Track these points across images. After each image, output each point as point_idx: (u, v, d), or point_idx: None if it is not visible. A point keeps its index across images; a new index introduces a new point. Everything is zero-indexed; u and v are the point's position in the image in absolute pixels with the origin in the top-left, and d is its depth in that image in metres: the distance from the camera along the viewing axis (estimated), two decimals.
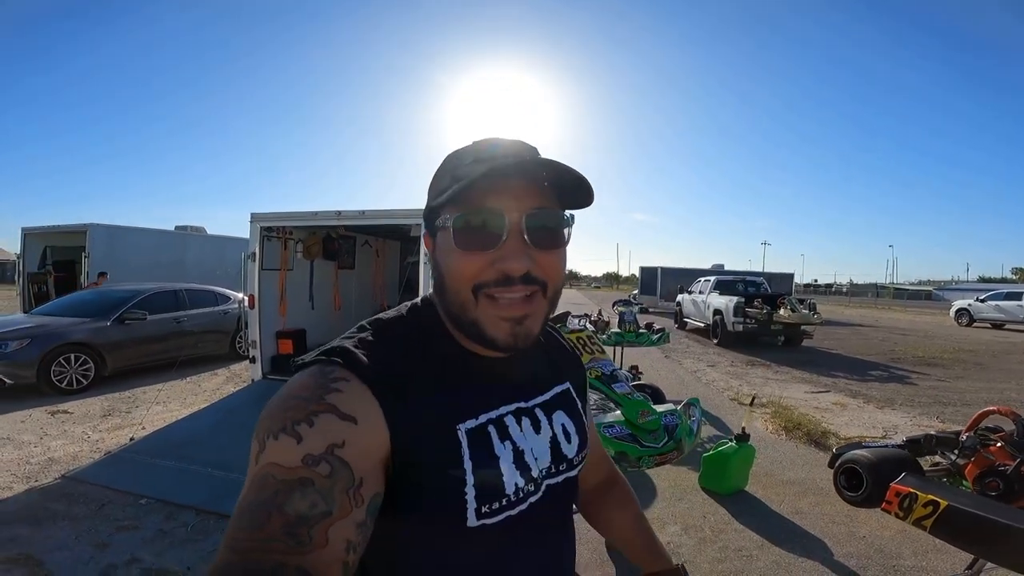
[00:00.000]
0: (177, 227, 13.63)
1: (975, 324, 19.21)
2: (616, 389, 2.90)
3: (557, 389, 0.77)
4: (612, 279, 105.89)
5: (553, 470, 0.70)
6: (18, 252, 11.27)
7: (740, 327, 11.47)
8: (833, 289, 75.08)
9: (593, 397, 3.36)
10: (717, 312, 12.41)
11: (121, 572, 2.53)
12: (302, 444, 0.50)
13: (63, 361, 6.17)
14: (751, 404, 3.97)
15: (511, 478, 0.64)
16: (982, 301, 19.40)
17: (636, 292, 25.14)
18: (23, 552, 2.63)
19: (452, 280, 0.61)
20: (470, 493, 0.60)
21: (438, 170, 0.66)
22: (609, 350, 7.29)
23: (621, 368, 7.01)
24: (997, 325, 18.47)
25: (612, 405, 2.96)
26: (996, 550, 1.61)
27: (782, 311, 11.50)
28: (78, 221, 10.66)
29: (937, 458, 2.57)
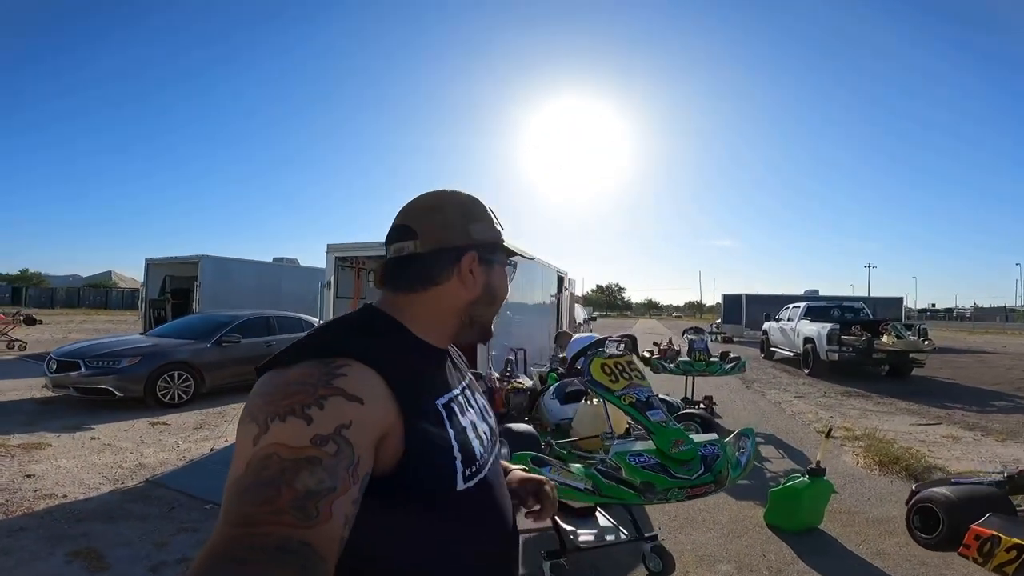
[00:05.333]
0: (275, 259, 14.83)
1: None
2: (650, 417, 2.73)
3: (468, 376, 0.90)
4: (695, 308, 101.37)
5: (492, 439, 0.83)
6: (142, 281, 12.76)
7: (835, 356, 10.52)
8: (954, 314, 66.82)
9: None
10: (808, 340, 11.49)
11: (169, 569, 2.71)
12: (312, 425, 0.54)
13: (168, 378, 6.86)
14: (827, 435, 3.59)
15: (476, 445, 0.74)
16: None
17: (719, 321, 23.94)
18: (89, 546, 2.88)
19: (502, 299, 0.84)
20: (457, 459, 0.68)
21: (480, 210, 0.83)
22: (679, 380, 7.02)
23: (692, 398, 6.69)
24: None
25: (646, 433, 2.80)
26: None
27: (885, 338, 10.44)
28: (192, 252, 11.89)
29: None
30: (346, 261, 6.68)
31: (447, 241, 0.78)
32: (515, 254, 0.86)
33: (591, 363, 3.05)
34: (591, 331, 13.63)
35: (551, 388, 4.31)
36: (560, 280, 8.98)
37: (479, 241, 0.80)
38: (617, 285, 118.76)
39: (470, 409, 0.80)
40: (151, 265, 12.21)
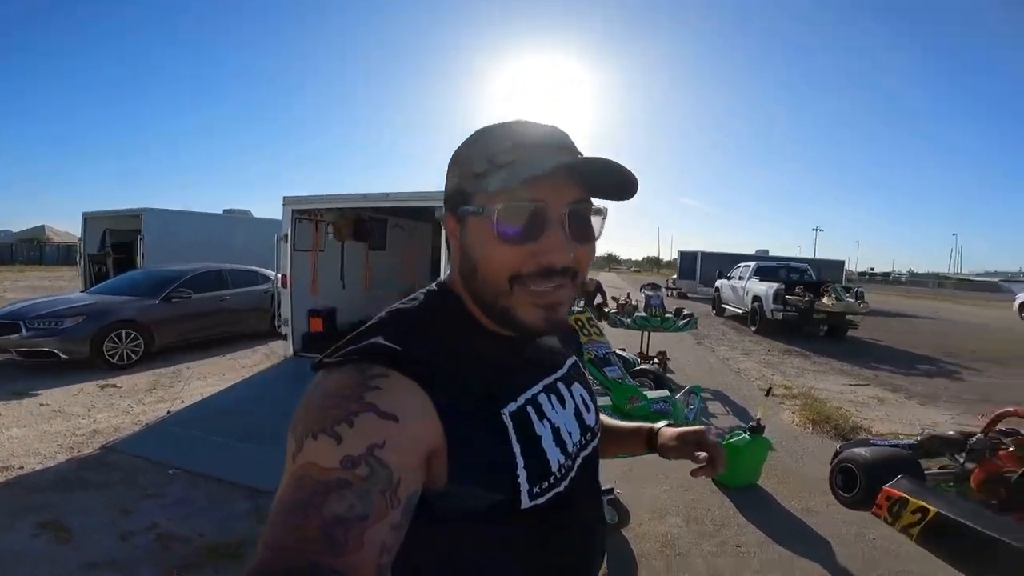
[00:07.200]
0: (225, 210, 14.17)
1: None
2: (607, 373, 2.87)
3: (569, 362, 0.79)
4: (653, 263, 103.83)
5: (583, 442, 0.73)
6: (80, 235, 11.99)
7: (779, 315, 11.06)
8: (891, 278, 70.99)
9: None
10: (756, 299, 12.02)
11: (139, 537, 2.71)
12: (341, 445, 0.49)
13: (115, 337, 6.57)
14: (767, 394, 3.85)
15: (554, 456, 0.65)
16: None
17: (675, 277, 24.63)
18: (53, 517, 2.84)
19: (488, 269, 0.62)
20: (522, 476, 0.61)
21: (468, 150, 0.65)
22: (635, 335, 7.25)
23: (647, 353, 6.95)
24: None
25: (603, 389, 2.94)
26: (979, 566, 1.53)
27: (825, 299, 11.01)
28: (136, 206, 11.26)
29: (946, 460, 2.43)
30: (304, 214, 6.51)
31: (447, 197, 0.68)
32: (514, 195, 0.58)
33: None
34: None
35: None
36: None
37: (450, 191, 0.66)
38: None
39: (559, 407, 0.70)
40: (89, 219, 11.47)
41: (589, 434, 0.75)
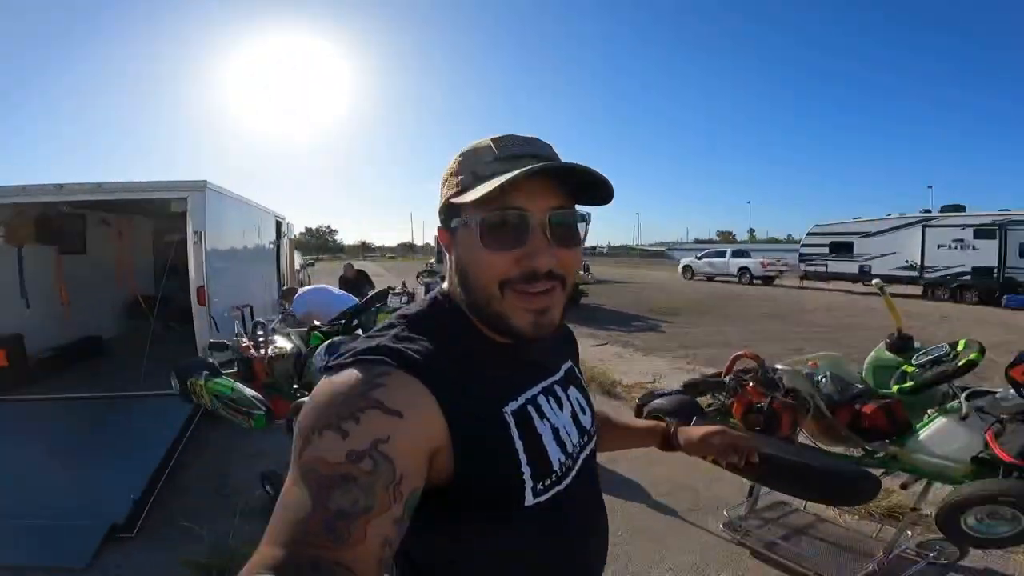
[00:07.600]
0: None
1: (695, 277, 24.01)
2: None
3: (565, 366, 0.82)
4: (407, 249, 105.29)
5: (581, 443, 0.75)
6: None
7: None
8: (596, 251, 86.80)
9: None
10: None
11: None
12: (347, 440, 0.50)
13: None
14: None
15: (555, 454, 0.67)
16: (699, 259, 24.30)
17: (433, 261, 25.46)
18: None
19: (478, 276, 0.64)
20: (525, 472, 0.63)
21: (455, 166, 0.68)
22: None
23: None
24: (710, 278, 23.23)
25: None
26: (768, 478, 2.02)
27: None
28: None
29: (709, 399, 3.10)
30: None
31: (440, 212, 0.71)
32: (497, 204, 0.61)
33: (377, 319, 3.02)
34: (310, 278, 12.78)
35: (320, 350, 3.87)
36: (278, 225, 8.03)
37: (441, 205, 0.70)
38: (329, 227, 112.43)
39: (557, 409, 0.72)
40: None
41: (586, 436, 0.77)
